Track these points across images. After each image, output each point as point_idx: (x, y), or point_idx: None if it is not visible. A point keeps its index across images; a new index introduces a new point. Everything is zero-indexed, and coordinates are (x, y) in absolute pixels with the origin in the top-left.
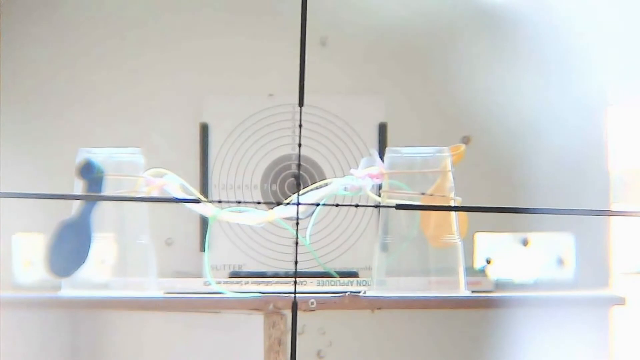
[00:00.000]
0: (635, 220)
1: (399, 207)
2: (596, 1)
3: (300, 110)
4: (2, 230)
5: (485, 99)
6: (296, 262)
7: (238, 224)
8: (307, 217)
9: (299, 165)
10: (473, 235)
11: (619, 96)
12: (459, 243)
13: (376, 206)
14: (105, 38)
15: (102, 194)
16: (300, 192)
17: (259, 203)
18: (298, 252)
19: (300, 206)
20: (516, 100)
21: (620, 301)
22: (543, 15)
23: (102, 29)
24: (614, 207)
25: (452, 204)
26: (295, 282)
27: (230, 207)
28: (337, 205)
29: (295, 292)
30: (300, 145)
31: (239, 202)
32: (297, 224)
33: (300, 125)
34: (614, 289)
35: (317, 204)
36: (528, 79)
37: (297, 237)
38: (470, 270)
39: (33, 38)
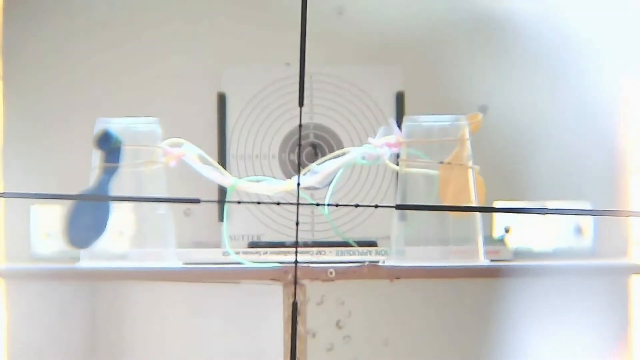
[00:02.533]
0: None
1: (399, 207)
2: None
3: (300, 110)
4: (20, 202)
5: (501, 70)
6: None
7: (256, 193)
8: (325, 186)
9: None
10: (492, 204)
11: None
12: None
13: (375, 206)
14: (123, 9)
15: (119, 165)
16: (317, 161)
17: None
18: (317, 222)
19: (319, 175)
20: (535, 73)
21: (639, 270)
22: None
23: (118, 1)
24: (632, 174)
25: (470, 172)
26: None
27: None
28: (337, 205)
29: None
30: (300, 145)
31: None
32: (297, 222)
33: (300, 125)
34: (633, 258)
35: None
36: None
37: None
38: (488, 239)
39: (47, 10)
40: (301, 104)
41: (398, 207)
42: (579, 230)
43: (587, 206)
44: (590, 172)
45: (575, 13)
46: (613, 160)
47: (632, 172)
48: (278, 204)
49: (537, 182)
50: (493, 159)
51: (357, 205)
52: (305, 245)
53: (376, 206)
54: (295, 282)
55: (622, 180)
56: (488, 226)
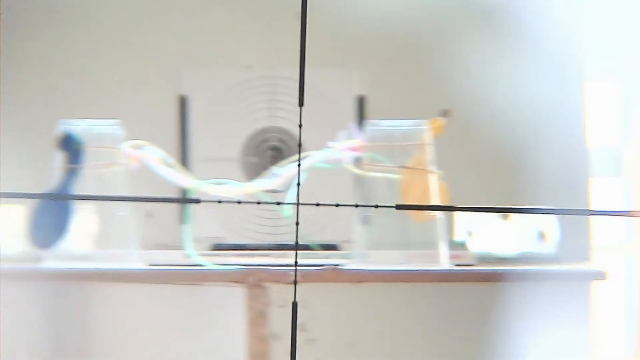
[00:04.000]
0: (614, 196)
1: (399, 207)
2: None
3: (300, 110)
4: None
5: (464, 72)
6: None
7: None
8: (287, 190)
9: (299, 164)
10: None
11: (597, 71)
12: (440, 216)
13: (375, 206)
14: (85, 10)
15: (80, 167)
16: (279, 164)
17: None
18: (280, 224)
19: (280, 178)
20: (496, 74)
21: (601, 275)
22: None
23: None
24: (592, 182)
25: (431, 177)
26: (296, 264)
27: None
28: (317, 204)
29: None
30: (300, 145)
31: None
32: (297, 223)
33: (300, 125)
34: (595, 264)
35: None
36: (508, 55)
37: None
38: (451, 244)
39: (12, 12)
40: (301, 103)
41: (398, 207)
42: (541, 236)
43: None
44: (553, 177)
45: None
46: (575, 164)
47: (592, 176)
48: (258, 203)
49: (500, 187)
50: (457, 164)
51: (357, 206)
52: (268, 248)
53: (376, 206)
54: (296, 283)
55: (582, 184)
56: (450, 231)
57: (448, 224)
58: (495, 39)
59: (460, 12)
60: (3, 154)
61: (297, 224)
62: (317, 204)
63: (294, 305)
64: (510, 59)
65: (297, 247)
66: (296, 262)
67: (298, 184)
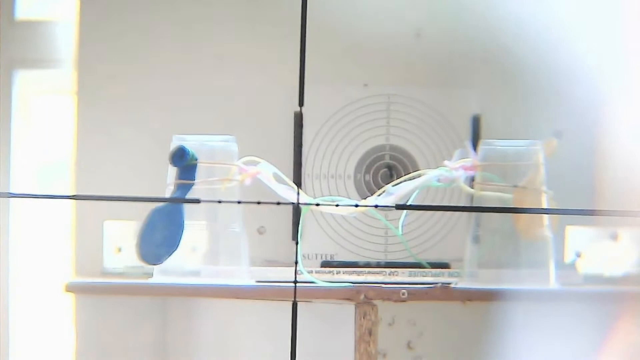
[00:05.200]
0: None
1: (399, 207)
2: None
3: (301, 110)
4: (93, 218)
5: (575, 92)
6: (296, 263)
7: (331, 213)
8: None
9: (299, 165)
10: (564, 229)
11: None
12: (550, 236)
13: (375, 206)
14: (196, 23)
15: (193, 183)
16: (393, 183)
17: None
18: (390, 242)
19: (393, 196)
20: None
21: None
22: None
23: (193, 14)
24: None
25: (544, 197)
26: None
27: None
28: (317, 205)
29: (294, 294)
30: (300, 145)
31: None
32: (297, 223)
33: (301, 125)
34: None
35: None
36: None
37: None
38: (560, 264)
39: (122, 26)
40: (301, 103)
41: (398, 207)
42: None
43: None
44: None
45: None
46: None
47: None
48: (258, 203)
49: (611, 207)
50: (567, 185)
51: (357, 205)
52: (378, 265)
53: (376, 206)
54: (297, 282)
55: None
56: (560, 250)
57: (558, 244)
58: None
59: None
60: (112, 168)
61: (298, 223)
62: (318, 204)
63: (294, 305)
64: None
65: (297, 244)
66: (296, 263)
67: (298, 184)
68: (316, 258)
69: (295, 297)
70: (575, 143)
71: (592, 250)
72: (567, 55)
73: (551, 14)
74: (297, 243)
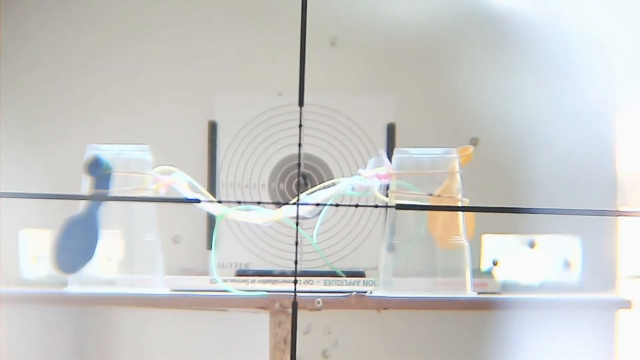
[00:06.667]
0: None
1: (399, 207)
2: (606, 4)
3: (300, 110)
4: (9, 226)
5: (493, 101)
6: (296, 262)
7: (245, 222)
8: (314, 216)
9: (299, 165)
10: (480, 237)
11: (629, 99)
12: (466, 244)
13: (375, 206)
14: (114, 34)
15: (108, 192)
16: (307, 191)
17: (258, 203)
18: (305, 251)
19: (307, 206)
20: (525, 103)
21: (626, 305)
22: (552, 18)
23: (110, 25)
24: (621, 210)
25: (459, 205)
26: (295, 282)
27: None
28: (337, 205)
29: (295, 292)
30: (300, 145)
31: (239, 202)
32: (297, 224)
33: (300, 125)
34: (620, 293)
35: (323, 204)
36: (537, 82)
37: (297, 237)
38: (476, 272)
39: (37, 34)
40: (301, 104)
41: (398, 207)
42: (567, 265)
43: (576, 241)
44: (582, 207)
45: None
46: (604, 196)
47: (622, 206)
48: (278, 204)
49: (527, 216)
50: (483, 192)
51: (357, 205)
52: (293, 274)
53: (375, 206)
54: (296, 282)
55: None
56: (476, 259)
57: (474, 252)
58: (525, 66)
59: (491, 39)
60: (30, 181)
61: (297, 223)
62: (317, 204)
63: (294, 305)
64: (541, 88)
65: (296, 244)
66: (296, 262)
67: (298, 185)
68: (231, 267)
69: (295, 297)
70: (492, 150)
71: (509, 258)
72: (480, 62)
73: (469, 20)
74: (211, 249)
